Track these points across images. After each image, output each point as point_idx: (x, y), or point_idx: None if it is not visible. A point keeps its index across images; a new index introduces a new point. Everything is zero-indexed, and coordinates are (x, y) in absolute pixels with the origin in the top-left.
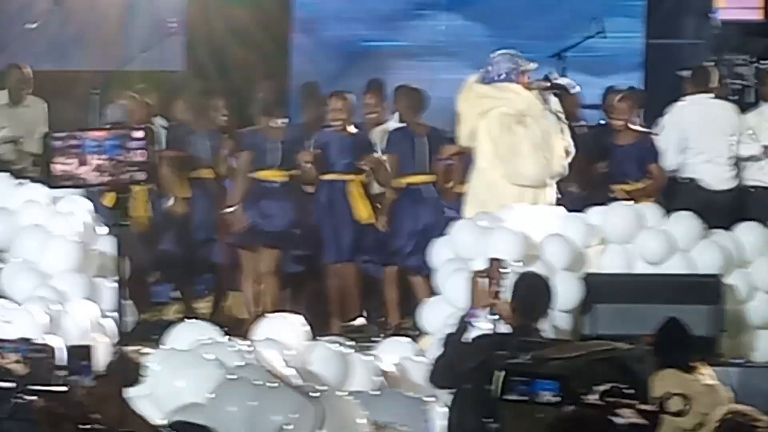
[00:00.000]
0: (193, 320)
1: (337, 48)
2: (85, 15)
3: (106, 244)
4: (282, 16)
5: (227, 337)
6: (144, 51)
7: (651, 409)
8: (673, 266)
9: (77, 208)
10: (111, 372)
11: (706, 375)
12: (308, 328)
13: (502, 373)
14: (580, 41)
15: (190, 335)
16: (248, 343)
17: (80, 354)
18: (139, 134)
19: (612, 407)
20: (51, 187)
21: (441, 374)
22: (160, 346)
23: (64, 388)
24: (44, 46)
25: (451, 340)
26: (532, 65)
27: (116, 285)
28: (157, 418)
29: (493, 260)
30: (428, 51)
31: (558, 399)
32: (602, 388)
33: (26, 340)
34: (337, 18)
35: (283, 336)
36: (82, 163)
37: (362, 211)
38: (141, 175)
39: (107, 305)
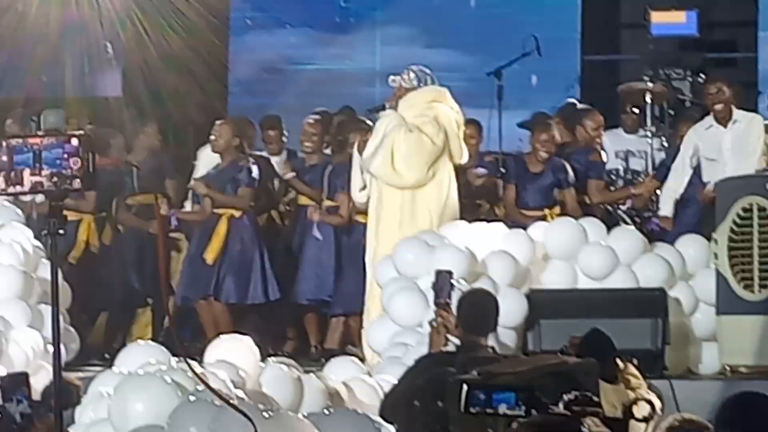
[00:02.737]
0: (142, 342)
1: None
2: (18, 41)
3: (46, 270)
4: (218, 44)
5: (176, 358)
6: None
7: (617, 417)
8: (617, 281)
9: (19, 235)
10: (48, 398)
11: (633, 381)
12: (258, 349)
13: (465, 387)
14: (516, 58)
15: (138, 357)
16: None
17: (17, 381)
18: (75, 141)
19: (579, 416)
20: None
21: (390, 406)
22: (112, 369)
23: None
24: None
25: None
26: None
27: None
28: None
29: (438, 272)
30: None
31: (521, 410)
32: (568, 396)
33: None
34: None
35: (234, 357)
36: (13, 171)
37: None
38: (77, 184)
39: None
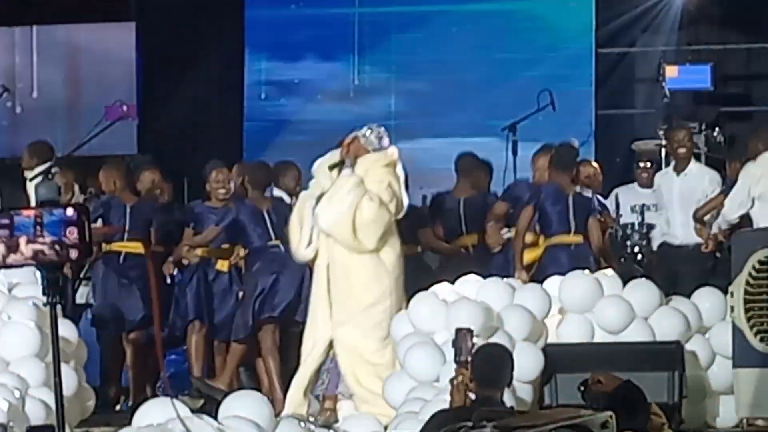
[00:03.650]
0: (162, 397)
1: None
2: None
3: (64, 329)
4: (234, 102)
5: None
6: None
7: None
8: (633, 334)
9: (35, 292)
10: None
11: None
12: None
13: None
14: (530, 114)
15: (160, 412)
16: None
17: None
18: (71, 212)
19: None
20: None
21: None
22: (131, 424)
23: None
24: None
25: None
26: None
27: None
28: None
29: (458, 330)
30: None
31: None
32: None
33: None
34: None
35: (249, 413)
36: (12, 242)
37: None
38: (73, 254)
39: (67, 390)
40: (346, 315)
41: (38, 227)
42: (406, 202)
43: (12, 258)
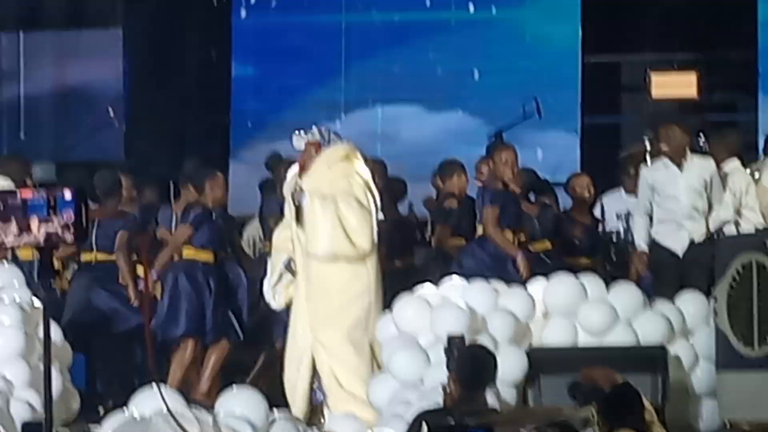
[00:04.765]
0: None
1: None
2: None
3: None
4: (220, 108)
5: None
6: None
7: None
8: (616, 337)
9: (19, 294)
10: None
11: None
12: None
13: (425, 428)
14: (518, 120)
15: (153, 402)
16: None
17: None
18: (69, 194)
19: None
20: None
21: None
22: (123, 410)
23: None
24: None
25: None
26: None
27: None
28: None
29: (450, 338)
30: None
31: None
32: (530, 426)
33: None
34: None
35: (244, 409)
36: (24, 223)
37: None
38: (68, 237)
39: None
40: (325, 317)
41: (50, 209)
42: (378, 198)
43: (24, 238)
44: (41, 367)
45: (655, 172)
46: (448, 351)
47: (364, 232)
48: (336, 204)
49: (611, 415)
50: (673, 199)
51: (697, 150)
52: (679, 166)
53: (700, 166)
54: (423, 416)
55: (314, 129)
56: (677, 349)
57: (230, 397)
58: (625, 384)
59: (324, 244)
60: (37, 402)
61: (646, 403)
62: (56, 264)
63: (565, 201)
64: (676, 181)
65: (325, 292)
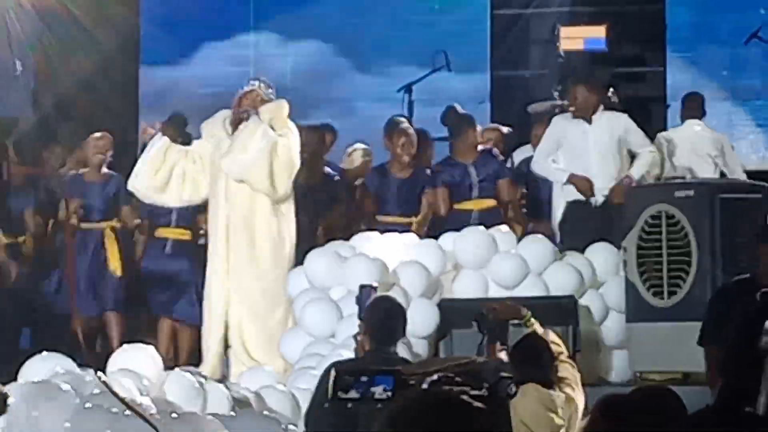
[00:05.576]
0: (46, 352)
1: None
2: None
3: None
4: (128, 64)
5: (81, 367)
6: None
7: (481, 394)
8: (527, 289)
9: None
10: None
11: (568, 383)
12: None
13: (334, 373)
14: (426, 75)
15: (44, 366)
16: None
17: None
18: None
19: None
20: None
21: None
22: (17, 378)
23: None
24: None
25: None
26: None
27: None
28: None
29: (362, 287)
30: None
31: (391, 393)
32: (432, 378)
33: None
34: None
35: (138, 366)
36: None
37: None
38: None
39: None
40: (250, 272)
41: None
42: (298, 162)
43: None
44: None
45: (565, 129)
46: (359, 299)
47: (285, 174)
48: (275, 139)
49: (517, 368)
50: (583, 155)
51: (607, 105)
52: (589, 122)
53: (609, 122)
54: (333, 365)
55: (258, 82)
56: (587, 300)
57: (121, 354)
58: (531, 335)
59: (244, 164)
60: None
61: (553, 336)
62: None
63: None
64: (586, 137)
65: (250, 245)
